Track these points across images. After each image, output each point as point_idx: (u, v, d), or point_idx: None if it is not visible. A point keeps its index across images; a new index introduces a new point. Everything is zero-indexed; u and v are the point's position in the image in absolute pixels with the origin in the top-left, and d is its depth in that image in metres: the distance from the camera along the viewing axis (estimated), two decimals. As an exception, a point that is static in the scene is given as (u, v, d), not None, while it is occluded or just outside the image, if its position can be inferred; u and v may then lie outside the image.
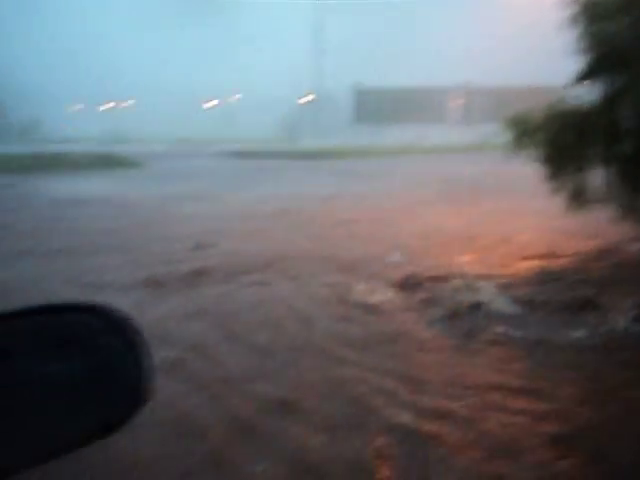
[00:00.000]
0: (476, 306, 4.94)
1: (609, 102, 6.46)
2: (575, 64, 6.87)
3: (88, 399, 0.80)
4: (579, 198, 6.66)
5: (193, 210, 11.37)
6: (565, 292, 5.29)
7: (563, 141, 6.27)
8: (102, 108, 60.59)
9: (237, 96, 62.16)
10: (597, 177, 6.75)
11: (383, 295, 5.48)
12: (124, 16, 75.54)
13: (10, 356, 0.75)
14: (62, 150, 26.72)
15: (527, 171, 7.13)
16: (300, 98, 54.94)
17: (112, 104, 61.08)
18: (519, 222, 9.14)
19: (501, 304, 5.03)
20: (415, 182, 16.27)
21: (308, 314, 4.94)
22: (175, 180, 17.73)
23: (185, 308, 5.16)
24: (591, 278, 5.75)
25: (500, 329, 4.44)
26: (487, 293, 5.29)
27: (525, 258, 6.88)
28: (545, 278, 5.87)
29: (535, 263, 6.64)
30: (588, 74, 6.88)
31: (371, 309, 5.10)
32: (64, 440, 0.76)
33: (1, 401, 0.73)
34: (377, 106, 40.63)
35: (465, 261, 6.82)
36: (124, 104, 61.40)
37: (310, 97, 53.38)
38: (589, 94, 7.01)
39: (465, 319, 4.71)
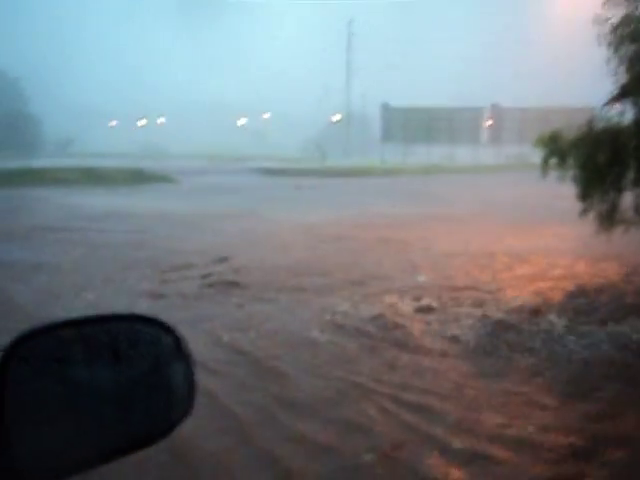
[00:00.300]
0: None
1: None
2: (608, 84, 6.89)
3: (137, 408, 0.83)
4: (611, 219, 6.61)
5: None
6: None
7: (595, 162, 6.27)
8: (137, 124, 62.25)
9: (267, 114, 63.13)
10: (631, 198, 6.70)
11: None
12: (161, 35, 77.87)
13: (71, 362, 0.79)
14: (97, 165, 27.46)
15: (565, 192, 7.00)
16: (329, 117, 55.49)
17: (146, 120, 62.71)
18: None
19: None
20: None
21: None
22: (215, 196, 17.66)
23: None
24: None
25: None
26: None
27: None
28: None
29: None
30: (621, 95, 6.89)
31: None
32: (111, 447, 0.79)
33: (57, 406, 0.76)
34: (405, 125, 40.70)
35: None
36: (159, 120, 62.98)
37: (339, 116, 53.87)
38: (622, 115, 7.00)
39: None
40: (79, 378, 0.79)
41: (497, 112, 40.56)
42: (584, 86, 8.12)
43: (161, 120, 63.36)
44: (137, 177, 24.28)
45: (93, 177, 23.46)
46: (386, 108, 42.18)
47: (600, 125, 6.67)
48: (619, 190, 6.59)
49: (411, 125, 40.90)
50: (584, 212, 6.65)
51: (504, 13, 67.81)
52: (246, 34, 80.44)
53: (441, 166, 34.17)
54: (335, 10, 62.76)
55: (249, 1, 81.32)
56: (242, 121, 63.84)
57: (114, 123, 64.12)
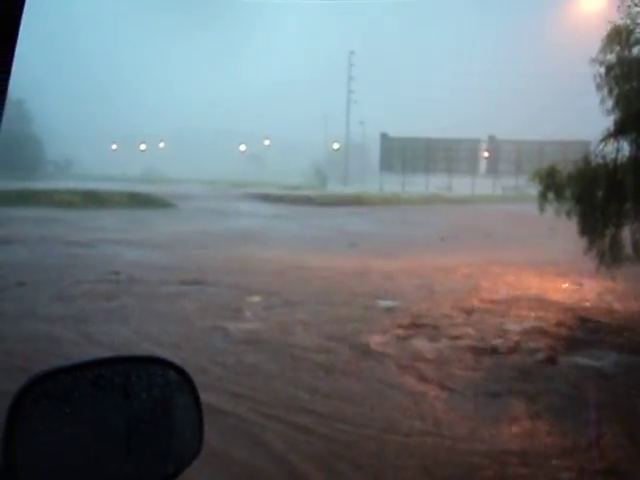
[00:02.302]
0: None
1: (637, 160, 6.59)
2: (603, 121, 7.06)
3: (145, 451, 0.83)
4: (612, 254, 6.67)
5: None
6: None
7: (592, 197, 6.37)
8: (137, 148, 62.68)
9: (267, 141, 63.64)
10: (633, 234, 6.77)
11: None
12: (162, 60, 79.01)
13: (82, 403, 0.79)
14: (96, 188, 27.52)
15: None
16: (328, 145, 56.02)
17: (146, 145, 63.14)
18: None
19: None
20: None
21: None
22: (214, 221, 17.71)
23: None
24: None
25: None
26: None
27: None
28: None
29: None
30: (617, 132, 7.06)
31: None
32: None
33: (65, 447, 0.76)
34: (404, 155, 41.09)
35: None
36: (159, 145, 63.41)
37: (338, 145, 54.37)
38: (618, 151, 7.15)
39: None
40: (89, 420, 0.79)
41: (493, 144, 41.03)
42: (579, 121, 8.29)
43: (162, 144, 63.79)
44: (136, 201, 24.34)
45: (92, 200, 23.49)
46: (385, 138, 42.62)
47: (597, 161, 6.81)
48: (618, 226, 6.67)
49: (409, 155, 41.29)
50: (588, 249, 6.70)
51: (507, 45, 69.36)
52: (248, 61, 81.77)
53: (440, 196, 34.58)
54: (335, 40, 64.02)
55: (252, 26, 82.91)
56: (242, 147, 64.32)
57: (115, 146, 64.50)
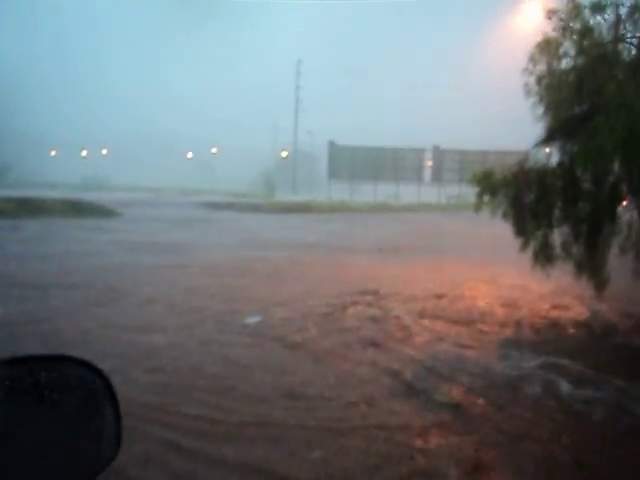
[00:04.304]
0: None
1: (566, 165, 6.95)
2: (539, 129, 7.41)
3: (60, 453, 0.79)
4: (544, 255, 7.00)
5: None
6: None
7: (524, 199, 6.66)
8: (79, 154, 60.54)
9: (214, 149, 63.01)
10: (561, 235, 7.15)
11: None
12: (104, 64, 76.93)
13: None
14: (34, 195, 26.31)
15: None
16: (276, 153, 56.04)
17: (89, 151, 61.11)
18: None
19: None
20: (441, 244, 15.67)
21: None
22: (156, 233, 17.33)
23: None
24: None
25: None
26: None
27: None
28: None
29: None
30: (547, 139, 7.41)
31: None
32: None
33: None
34: (351, 164, 41.67)
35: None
36: (102, 151, 61.53)
37: (286, 153, 54.49)
38: (549, 157, 7.51)
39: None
40: None
41: (438, 154, 42.24)
42: (520, 131, 8.63)
43: (104, 151, 61.92)
44: (77, 209, 23.37)
45: (29, 208, 22.41)
46: (333, 146, 43.05)
47: (529, 166, 7.13)
48: (549, 227, 7.01)
49: (357, 163, 41.90)
50: (523, 248, 7.02)
51: (456, 58, 71.80)
52: (197, 68, 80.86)
53: (387, 204, 35.41)
54: (285, 49, 64.35)
55: (201, 36, 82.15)
56: (189, 154, 63.37)
57: (54, 153, 62.08)
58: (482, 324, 7.04)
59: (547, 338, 6.46)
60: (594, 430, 4.23)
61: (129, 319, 7.01)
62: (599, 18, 6.89)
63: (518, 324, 7.03)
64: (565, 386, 4.95)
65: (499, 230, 7.71)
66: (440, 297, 8.53)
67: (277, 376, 5.14)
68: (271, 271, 10.74)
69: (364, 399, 4.59)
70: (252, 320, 6.86)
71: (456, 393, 4.83)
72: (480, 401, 4.69)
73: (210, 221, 22.23)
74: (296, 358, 5.72)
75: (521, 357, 5.73)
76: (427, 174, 42.86)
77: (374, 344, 6.14)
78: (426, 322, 7.06)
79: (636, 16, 6.74)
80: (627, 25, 6.99)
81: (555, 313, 7.67)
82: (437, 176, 41.93)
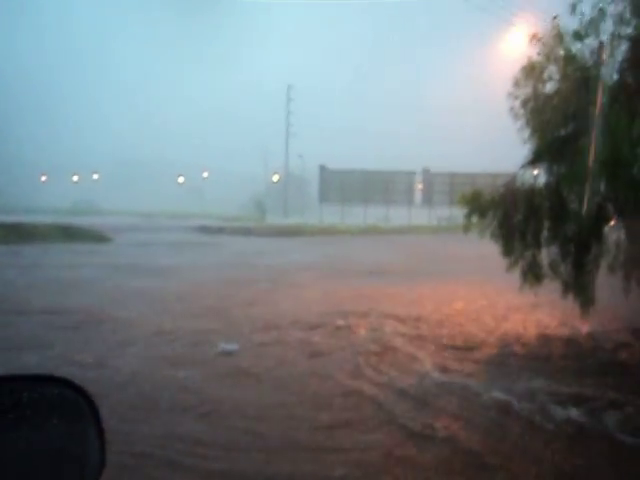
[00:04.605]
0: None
1: (553, 186, 7.05)
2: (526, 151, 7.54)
3: (48, 469, 0.77)
4: (532, 274, 7.05)
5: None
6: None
7: (512, 220, 6.74)
8: (70, 179, 60.45)
9: (205, 173, 63.20)
10: (550, 254, 7.22)
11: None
12: (95, 89, 77.46)
13: None
14: (25, 221, 26.14)
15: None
16: (267, 177, 56.35)
17: (80, 176, 61.04)
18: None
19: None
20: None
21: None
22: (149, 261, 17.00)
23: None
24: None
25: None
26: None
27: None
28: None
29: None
30: (534, 161, 7.53)
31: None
32: None
33: None
34: (342, 187, 41.92)
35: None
36: (93, 176, 61.48)
37: (277, 176, 54.78)
38: (537, 178, 7.63)
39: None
40: None
41: (428, 176, 42.63)
42: (509, 153, 8.75)
43: (95, 176, 61.90)
44: (67, 234, 23.17)
45: (19, 233, 22.21)
46: (323, 170, 43.36)
47: (517, 187, 7.24)
48: (536, 247, 7.08)
49: (348, 187, 42.15)
50: (511, 267, 7.07)
51: (445, 83, 73.13)
52: (188, 93, 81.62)
53: (378, 227, 35.60)
54: (275, 74, 65.21)
55: (192, 60, 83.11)
56: (181, 179, 63.51)
57: (44, 178, 61.96)
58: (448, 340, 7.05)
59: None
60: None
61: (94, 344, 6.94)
62: (580, 45, 7.08)
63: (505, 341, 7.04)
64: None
65: (488, 251, 7.75)
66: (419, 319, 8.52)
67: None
68: (252, 297, 10.62)
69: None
70: (228, 347, 6.71)
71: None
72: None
73: (202, 245, 22.17)
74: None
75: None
76: (418, 197, 43.16)
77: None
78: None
79: (615, 43, 6.93)
80: (609, 50, 7.19)
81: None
82: (428, 198, 42.23)
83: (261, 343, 7.06)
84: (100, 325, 8.02)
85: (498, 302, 9.55)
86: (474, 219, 6.92)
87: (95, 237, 23.40)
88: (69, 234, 23.17)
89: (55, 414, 0.82)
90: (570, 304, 6.86)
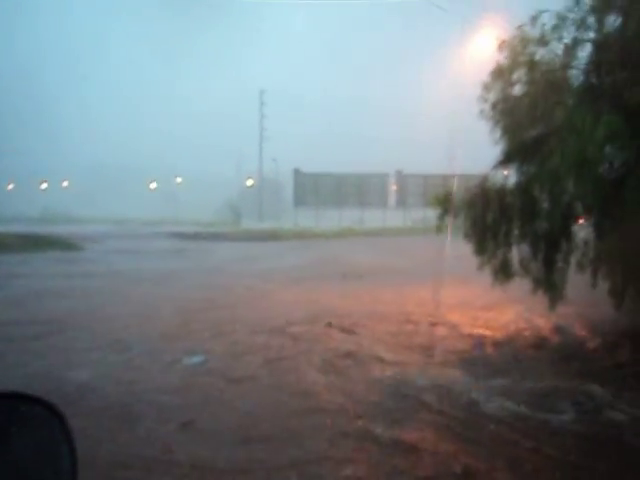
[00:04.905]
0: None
1: (523, 186, 7.21)
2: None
3: None
4: (503, 272, 7.20)
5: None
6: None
7: (485, 219, 6.87)
8: (38, 187, 59.08)
9: (179, 179, 62.52)
10: (520, 252, 7.38)
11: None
12: (64, 95, 75.94)
13: None
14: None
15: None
16: (242, 181, 56.04)
17: (50, 183, 59.71)
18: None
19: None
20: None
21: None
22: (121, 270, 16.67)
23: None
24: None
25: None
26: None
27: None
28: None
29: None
30: (504, 161, 7.69)
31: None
32: None
33: None
34: (316, 190, 42.02)
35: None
36: (63, 183, 60.21)
37: (251, 181, 54.53)
38: (507, 178, 7.79)
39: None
40: None
41: (401, 178, 43.02)
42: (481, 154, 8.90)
43: (65, 183, 60.63)
44: (35, 243, 22.54)
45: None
46: (298, 173, 43.38)
47: (488, 187, 7.38)
48: (508, 245, 7.23)
49: (322, 190, 42.27)
50: (481, 266, 7.21)
51: (418, 86, 73.93)
52: (159, 98, 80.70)
53: (353, 229, 35.79)
54: (249, 79, 64.99)
55: (164, 65, 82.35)
56: (153, 184, 62.67)
57: (11, 186, 60.41)
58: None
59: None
60: None
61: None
62: (545, 50, 7.26)
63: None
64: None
65: (462, 251, 7.87)
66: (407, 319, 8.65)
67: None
68: (234, 301, 10.64)
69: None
70: (195, 359, 6.64)
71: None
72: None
73: (178, 252, 21.87)
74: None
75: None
76: (392, 199, 43.51)
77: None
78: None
79: (579, 47, 7.13)
80: (573, 53, 7.39)
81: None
82: (402, 200, 42.61)
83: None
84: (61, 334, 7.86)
85: (468, 299, 9.64)
86: (447, 220, 7.05)
87: (66, 245, 22.88)
88: (36, 243, 22.52)
89: (25, 432, 0.80)
90: (539, 300, 7.04)
